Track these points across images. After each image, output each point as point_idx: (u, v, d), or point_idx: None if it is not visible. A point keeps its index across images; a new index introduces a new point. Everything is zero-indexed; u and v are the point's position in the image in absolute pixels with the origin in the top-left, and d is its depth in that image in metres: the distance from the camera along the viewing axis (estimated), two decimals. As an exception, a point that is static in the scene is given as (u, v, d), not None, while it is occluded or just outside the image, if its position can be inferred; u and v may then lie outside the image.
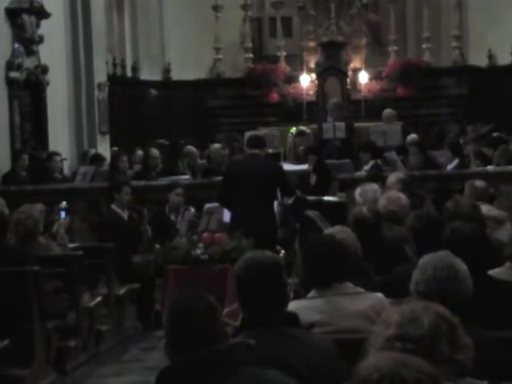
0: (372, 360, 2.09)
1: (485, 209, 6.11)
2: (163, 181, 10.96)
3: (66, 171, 13.10)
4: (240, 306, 3.39)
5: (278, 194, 8.78)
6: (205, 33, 17.72)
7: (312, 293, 4.03)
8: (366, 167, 10.96)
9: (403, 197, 6.47)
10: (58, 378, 6.82)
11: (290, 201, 9.31)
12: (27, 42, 12.58)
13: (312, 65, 17.78)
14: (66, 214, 9.90)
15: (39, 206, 7.68)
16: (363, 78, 17.21)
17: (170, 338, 2.80)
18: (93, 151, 13.50)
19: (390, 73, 17.32)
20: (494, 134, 12.90)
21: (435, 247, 3.80)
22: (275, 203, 8.69)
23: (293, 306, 3.79)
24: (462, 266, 3.35)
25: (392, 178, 7.87)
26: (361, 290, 4.09)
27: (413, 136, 12.33)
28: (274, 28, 18.35)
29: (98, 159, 12.72)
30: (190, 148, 12.57)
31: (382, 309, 3.89)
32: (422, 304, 2.53)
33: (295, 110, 17.18)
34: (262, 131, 14.20)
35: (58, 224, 8.75)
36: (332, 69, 17.30)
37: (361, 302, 4.01)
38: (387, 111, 14.14)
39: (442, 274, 3.28)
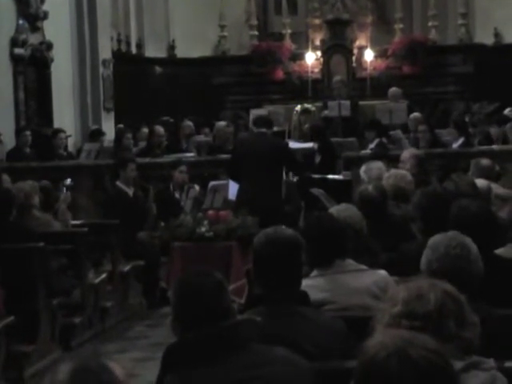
0: (379, 338, 2.08)
1: (491, 187, 6.10)
2: (168, 158, 10.95)
3: (71, 148, 13.09)
4: (255, 280, 3.39)
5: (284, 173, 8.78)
6: (209, 10, 17.61)
7: (314, 272, 4.01)
8: (371, 145, 10.95)
9: (408, 173, 6.51)
10: (63, 354, 6.84)
11: (295, 179, 9.29)
12: (32, 17, 12.52)
13: (317, 42, 17.68)
14: (67, 190, 9.90)
15: (30, 182, 7.68)
16: (369, 55, 17.12)
17: (176, 314, 2.79)
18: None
19: (396, 50, 17.22)
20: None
21: (442, 225, 3.79)
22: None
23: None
24: (472, 245, 3.33)
25: (406, 153, 7.86)
26: (363, 266, 4.08)
27: (415, 114, 12.28)
28: (279, 5, 18.24)
29: (97, 134, 12.79)
30: (185, 122, 13.05)
31: (386, 285, 3.89)
32: (429, 281, 2.53)
33: (300, 88, 17.10)
34: (267, 109, 14.17)
35: (60, 201, 8.77)
36: (337, 46, 17.22)
37: (364, 278, 4.00)
38: (393, 89, 14.10)
39: (456, 252, 3.26)
